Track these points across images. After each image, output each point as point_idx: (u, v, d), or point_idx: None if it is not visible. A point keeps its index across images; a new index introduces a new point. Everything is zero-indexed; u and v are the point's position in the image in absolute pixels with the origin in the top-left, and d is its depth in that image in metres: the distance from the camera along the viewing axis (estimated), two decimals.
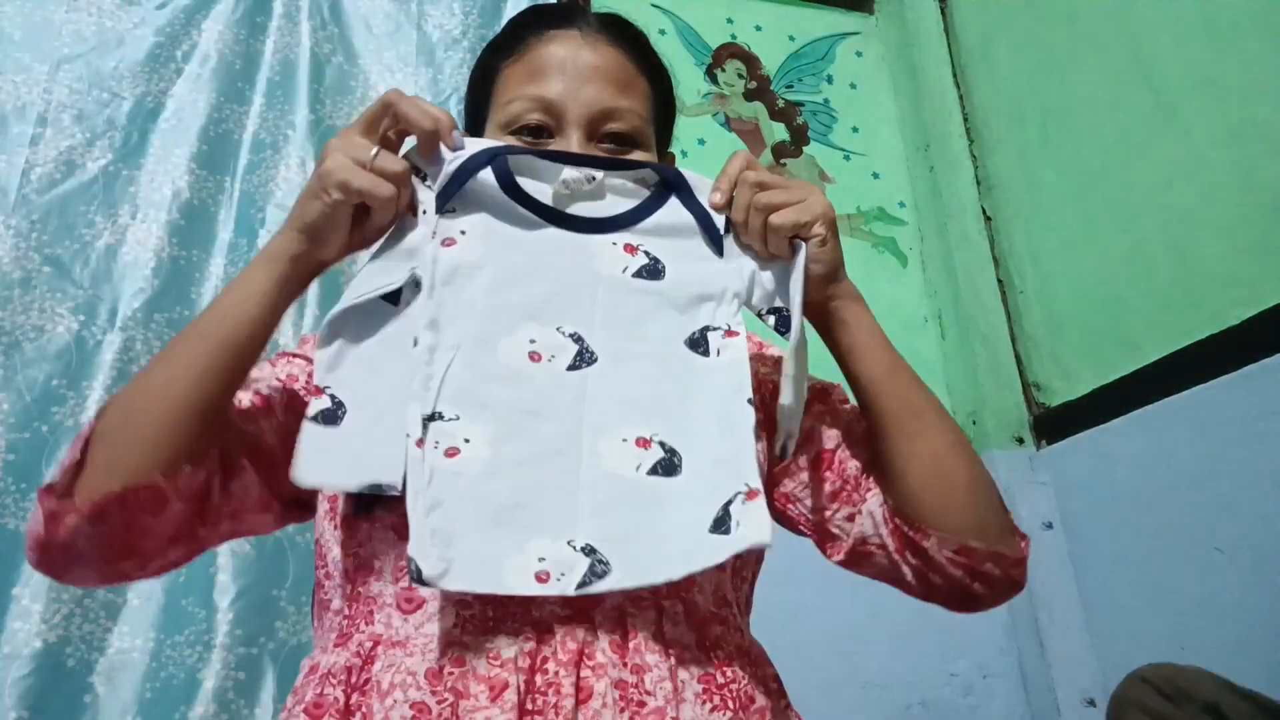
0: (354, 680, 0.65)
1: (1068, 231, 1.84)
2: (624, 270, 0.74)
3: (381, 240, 0.72)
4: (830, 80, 2.23)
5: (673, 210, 0.76)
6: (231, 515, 0.73)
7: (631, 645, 0.65)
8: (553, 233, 0.74)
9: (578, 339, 0.71)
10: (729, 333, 0.74)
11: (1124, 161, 1.72)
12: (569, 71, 0.79)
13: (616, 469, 0.67)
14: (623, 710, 0.62)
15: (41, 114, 1.52)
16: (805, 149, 2.10)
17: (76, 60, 1.58)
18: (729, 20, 2.19)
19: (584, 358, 0.71)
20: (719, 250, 0.76)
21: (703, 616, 0.69)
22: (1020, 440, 1.86)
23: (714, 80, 2.11)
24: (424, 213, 0.72)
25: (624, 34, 0.84)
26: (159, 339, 1.45)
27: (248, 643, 1.34)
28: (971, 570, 0.73)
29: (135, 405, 0.68)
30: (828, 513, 0.79)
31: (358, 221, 0.70)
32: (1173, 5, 1.63)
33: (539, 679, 0.63)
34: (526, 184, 0.73)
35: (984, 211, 2.07)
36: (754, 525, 0.65)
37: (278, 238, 0.71)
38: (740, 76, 2.15)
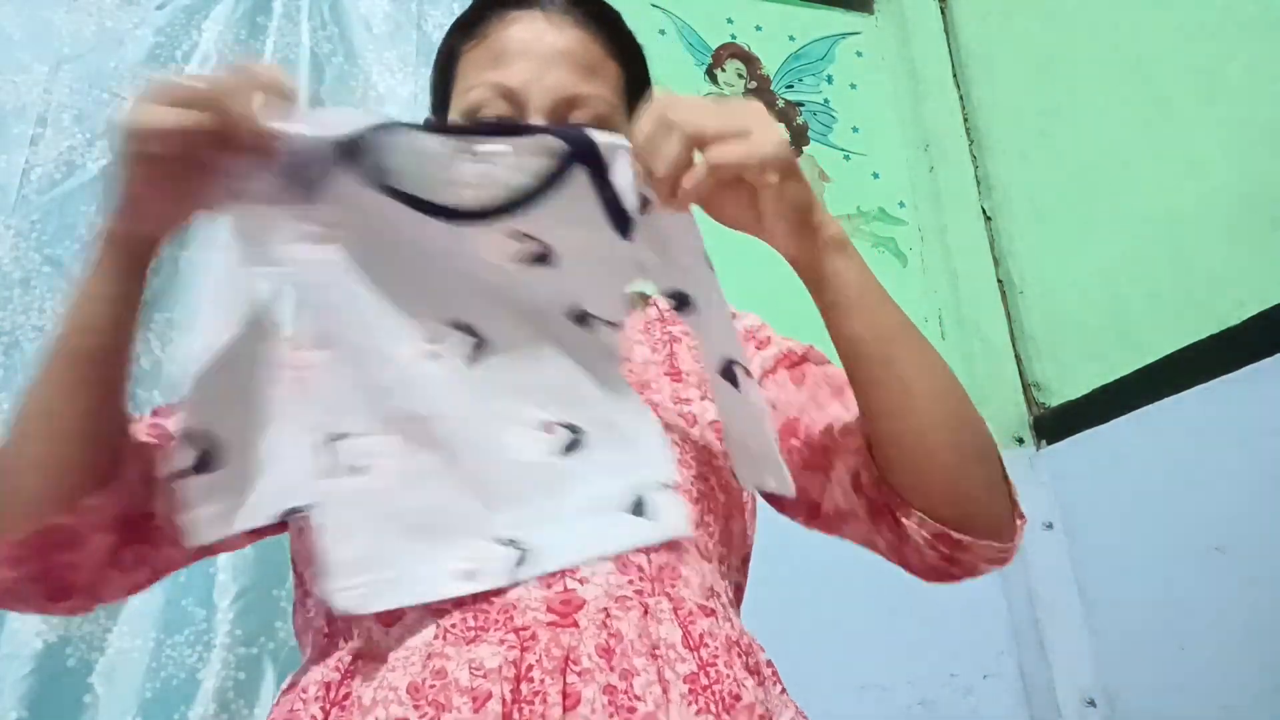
0: (333, 695, 0.63)
1: (1068, 231, 1.84)
2: (512, 257, 0.66)
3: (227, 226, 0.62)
4: (830, 80, 2.23)
5: (573, 187, 0.63)
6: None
7: (618, 649, 0.62)
8: (433, 226, 0.64)
9: (471, 331, 0.67)
10: (610, 324, 0.70)
11: (1124, 161, 1.71)
12: (531, 56, 0.75)
13: (524, 456, 0.66)
14: (612, 716, 0.60)
15: (41, 114, 1.52)
16: (805, 149, 2.10)
17: (76, 60, 1.57)
18: (729, 20, 2.19)
19: (480, 349, 0.67)
20: (624, 232, 0.64)
21: (689, 612, 0.67)
22: (1020, 440, 1.86)
23: (714, 80, 2.11)
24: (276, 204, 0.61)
25: (590, 13, 0.79)
26: (159, 339, 1.45)
27: (248, 643, 1.34)
28: (950, 557, 0.69)
29: (15, 439, 0.65)
30: (802, 482, 0.75)
31: (182, 178, 0.59)
32: (1172, 5, 1.63)
33: (524, 688, 0.60)
34: (403, 179, 0.62)
35: (984, 211, 2.07)
36: (674, 517, 0.66)
37: (107, 223, 0.63)
38: (740, 76, 2.15)
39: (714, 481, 0.74)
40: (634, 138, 0.62)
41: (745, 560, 0.80)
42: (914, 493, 0.68)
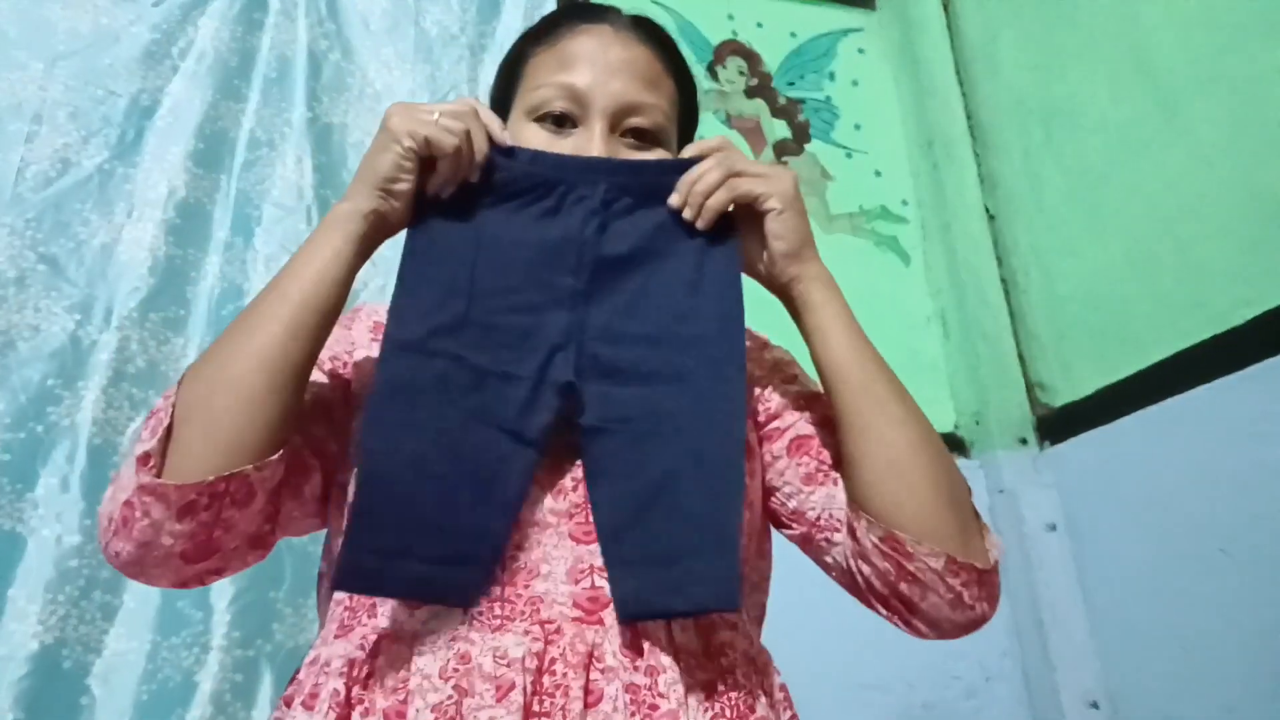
0: (356, 674, 0.64)
1: (1071, 230, 1.83)
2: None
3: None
4: (832, 77, 2.22)
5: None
6: (299, 519, 0.74)
7: (645, 648, 0.65)
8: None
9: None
10: None
11: (1127, 160, 1.70)
12: (598, 63, 0.80)
13: None
14: (633, 714, 0.62)
15: (36, 111, 1.51)
16: (807, 146, 2.09)
17: (72, 57, 1.56)
18: (730, 17, 2.18)
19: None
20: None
21: (709, 622, 0.70)
22: (1024, 441, 1.85)
23: (715, 77, 2.10)
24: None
25: (654, 34, 0.87)
26: (154, 338, 1.44)
27: (244, 645, 1.33)
28: (900, 567, 0.70)
29: (224, 374, 0.66)
30: (803, 496, 0.79)
31: (422, 178, 0.72)
32: (1176, 3, 1.62)
33: (547, 680, 0.63)
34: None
35: (987, 210, 2.06)
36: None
37: (346, 201, 0.72)
38: (741, 73, 2.13)
39: (753, 500, 0.78)
40: (687, 175, 0.76)
41: (765, 578, 0.83)
42: (886, 510, 0.71)
